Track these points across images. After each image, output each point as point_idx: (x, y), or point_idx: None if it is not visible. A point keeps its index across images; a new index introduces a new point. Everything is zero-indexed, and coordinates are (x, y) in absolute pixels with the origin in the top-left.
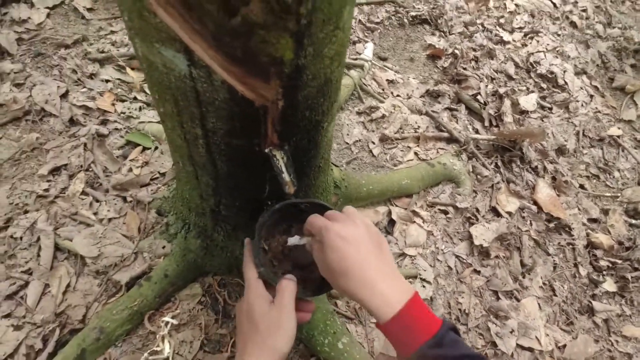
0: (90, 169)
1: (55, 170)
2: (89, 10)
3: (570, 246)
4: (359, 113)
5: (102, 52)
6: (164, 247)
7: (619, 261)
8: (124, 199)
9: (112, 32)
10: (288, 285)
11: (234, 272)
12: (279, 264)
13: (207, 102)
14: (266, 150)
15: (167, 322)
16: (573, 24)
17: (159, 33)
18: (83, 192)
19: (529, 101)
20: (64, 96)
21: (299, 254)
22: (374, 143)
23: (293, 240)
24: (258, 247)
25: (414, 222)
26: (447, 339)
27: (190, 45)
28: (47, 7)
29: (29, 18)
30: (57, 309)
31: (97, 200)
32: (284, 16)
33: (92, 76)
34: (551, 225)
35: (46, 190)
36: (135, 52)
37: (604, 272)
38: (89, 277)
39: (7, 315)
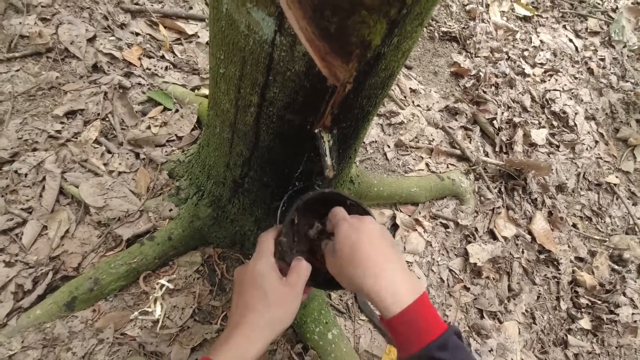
0: (107, 119)
1: (70, 114)
2: None
3: (556, 280)
4: (378, 115)
5: (136, 4)
6: (170, 210)
7: (598, 302)
8: (137, 155)
9: None
10: (306, 269)
11: (237, 247)
12: (298, 242)
13: (278, 71)
14: (315, 131)
15: (162, 285)
16: (590, 70)
17: None
18: (96, 141)
19: (539, 135)
20: (91, 40)
21: (318, 243)
22: (389, 147)
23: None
24: (291, 217)
25: (416, 230)
26: (451, 343)
27: (285, 11)
28: None
29: None
30: (52, 252)
31: (110, 152)
32: (391, 2)
33: (122, 26)
34: (541, 256)
35: (58, 131)
36: (216, 9)
37: (583, 310)
38: (90, 226)
39: (0, 250)
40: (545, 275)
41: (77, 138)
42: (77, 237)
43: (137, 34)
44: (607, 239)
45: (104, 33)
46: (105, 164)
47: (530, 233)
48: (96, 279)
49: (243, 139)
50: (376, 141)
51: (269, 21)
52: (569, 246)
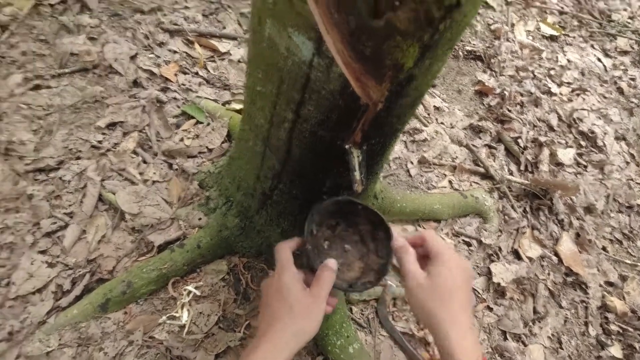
0: (144, 131)
1: (111, 125)
2: None
3: (584, 304)
4: (402, 132)
5: (175, 24)
6: (200, 219)
7: (630, 329)
8: (170, 166)
9: (186, 7)
10: (329, 277)
11: (262, 257)
12: (317, 253)
13: (314, 90)
14: (346, 147)
15: (190, 292)
16: (620, 90)
17: (298, 19)
18: (133, 151)
19: (566, 155)
20: (133, 58)
21: (335, 253)
22: (412, 163)
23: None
24: (310, 227)
25: None
26: None
27: (324, 36)
28: None
29: None
30: (89, 255)
31: (145, 162)
32: (425, 28)
33: (161, 44)
34: (569, 279)
35: (100, 142)
36: (258, 32)
37: (613, 337)
38: (124, 232)
39: (43, 252)
40: (573, 299)
41: (116, 148)
42: (113, 242)
43: (175, 52)
44: (639, 264)
45: (145, 51)
46: (140, 173)
47: (556, 254)
48: (129, 283)
49: (275, 153)
50: (399, 157)
51: (308, 44)
52: (598, 270)
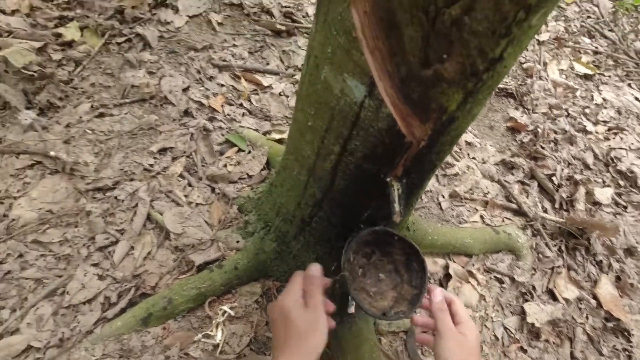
0: (191, 156)
1: (162, 150)
2: (220, 24)
3: (627, 353)
4: None
5: (224, 60)
6: (238, 242)
7: None
8: (213, 190)
9: (235, 45)
10: (315, 282)
11: None
12: (352, 280)
13: (362, 127)
14: (387, 179)
15: (225, 311)
16: None
17: (355, 67)
18: (180, 175)
19: (604, 194)
20: (185, 90)
21: (368, 282)
22: (443, 197)
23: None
24: (347, 255)
25: (469, 282)
26: None
27: (376, 81)
28: (188, 15)
29: (172, 21)
30: (135, 271)
31: (191, 185)
32: (470, 78)
33: (211, 78)
34: (609, 324)
35: (151, 165)
36: (314, 75)
37: None
38: (168, 250)
39: (96, 265)
40: (614, 346)
41: (165, 171)
42: (157, 259)
43: (222, 85)
44: None
45: (196, 84)
46: (186, 196)
47: (595, 297)
48: (170, 299)
49: (318, 182)
50: (431, 191)
51: (361, 88)
52: None
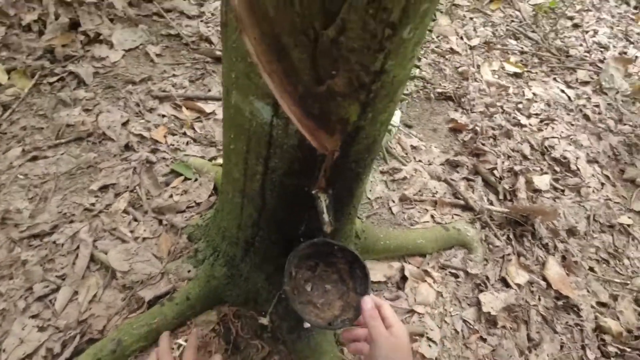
0: (134, 191)
1: (104, 188)
2: (158, 55)
3: (578, 327)
4: (382, 172)
5: (163, 91)
6: (189, 272)
7: (628, 349)
8: (160, 222)
9: (174, 75)
10: (164, 355)
11: (251, 304)
12: (297, 294)
13: (277, 145)
14: (313, 192)
15: (180, 345)
16: (586, 117)
17: (257, 89)
18: (125, 211)
19: (542, 181)
20: (125, 124)
21: (315, 294)
22: (394, 202)
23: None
24: (289, 269)
25: (425, 281)
26: None
27: (279, 101)
28: (124, 50)
29: (107, 57)
30: (80, 316)
31: (136, 220)
32: (359, 90)
33: (151, 110)
34: (560, 303)
35: (93, 204)
36: (227, 100)
37: (612, 359)
38: (115, 290)
39: (35, 316)
40: (567, 322)
41: (108, 209)
42: (104, 301)
43: (164, 116)
44: (628, 282)
45: (136, 117)
46: (131, 231)
47: (544, 279)
48: (119, 341)
49: (252, 203)
50: (381, 197)
51: (267, 109)
52: (588, 291)
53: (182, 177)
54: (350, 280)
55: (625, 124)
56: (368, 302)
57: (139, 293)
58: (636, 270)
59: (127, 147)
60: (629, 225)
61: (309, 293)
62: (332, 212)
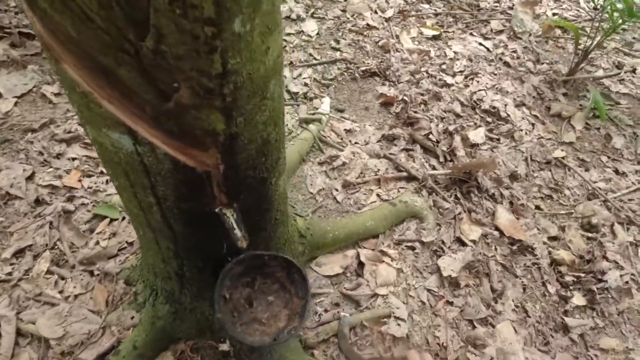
0: (55, 247)
1: (19, 253)
2: (56, 95)
3: (536, 266)
4: (320, 163)
5: (69, 132)
6: (132, 318)
7: (582, 274)
8: (91, 273)
9: None
10: None
11: (207, 334)
12: (238, 316)
13: (155, 172)
14: (216, 210)
15: None
16: (507, 64)
17: (105, 120)
18: (48, 271)
19: (477, 135)
20: (30, 178)
21: (259, 309)
22: (337, 190)
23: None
24: (219, 294)
25: (383, 261)
26: None
27: (133, 127)
28: (15, 96)
29: None
30: None
31: (63, 278)
32: (210, 97)
33: (58, 156)
34: (514, 247)
35: (9, 274)
36: (87, 136)
37: (571, 287)
38: (53, 359)
39: None
40: (525, 264)
41: (28, 274)
42: None
43: (74, 159)
44: (572, 211)
45: (42, 167)
46: (60, 292)
47: (497, 229)
48: None
49: (162, 234)
50: (323, 188)
51: (125, 138)
52: (538, 229)
53: (107, 220)
54: (291, 285)
55: (542, 63)
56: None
57: (80, 357)
58: (577, 198)
59: (38, 201)
60: (563, 158)
61: (252, 310)
62: (243, 226)
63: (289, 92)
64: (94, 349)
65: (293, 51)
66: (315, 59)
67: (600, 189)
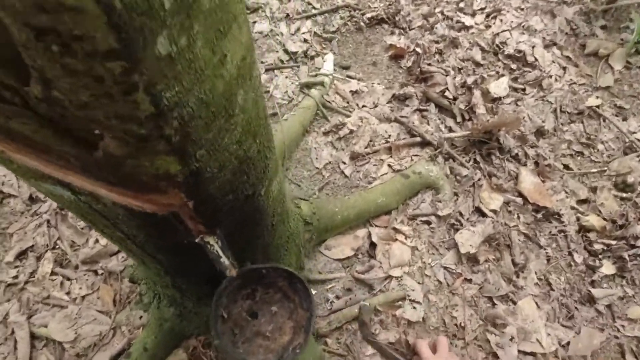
0: (57, 247)
1: (21, 254)
2: None
3: (562, 234)
4: (325, 133)
5: None
6: (141, 317)
7: (614, 242)
8: (95, 272)
9: None
10: None
11: None
12: (240, 332)
13: (113, 218)
14: (197, 240)
15: None
16: None
17: (29, 172)
18: (52, 273)
19: (500, 86)
20: None
21: (263, 321)
22: (344, 163)
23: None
24: (216, 316)
25: (396, 239)
26: None
27: (63, 180)
28: None
29: None
30: None
31: (68, 279)
32: (146, 144)
33: None
34: (539, 215)
35: (15, 277)
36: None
37: (600, 256)
38: None
39: None
40: (550, 232)
41: (34, 277)
42: None
43: None
44: (605, 168)
45: None
46: (67, 293)
47: (520, 194)
48: None
49: (150, 261)
50: (330, 162)
51: (61, 189)
52: (566, 192)
53: None
54: (294, 295)
55: None
56: (423, 348)
57: (94, 359)
58: (612, 153)
59: (32, 199)
60: (597, 107)
61: (255, 323)
62: (230, 253)
63: (287, 52)
64: (106, 350)
65: (289, 1)
66: (315, 8)
67: (638, 140)
